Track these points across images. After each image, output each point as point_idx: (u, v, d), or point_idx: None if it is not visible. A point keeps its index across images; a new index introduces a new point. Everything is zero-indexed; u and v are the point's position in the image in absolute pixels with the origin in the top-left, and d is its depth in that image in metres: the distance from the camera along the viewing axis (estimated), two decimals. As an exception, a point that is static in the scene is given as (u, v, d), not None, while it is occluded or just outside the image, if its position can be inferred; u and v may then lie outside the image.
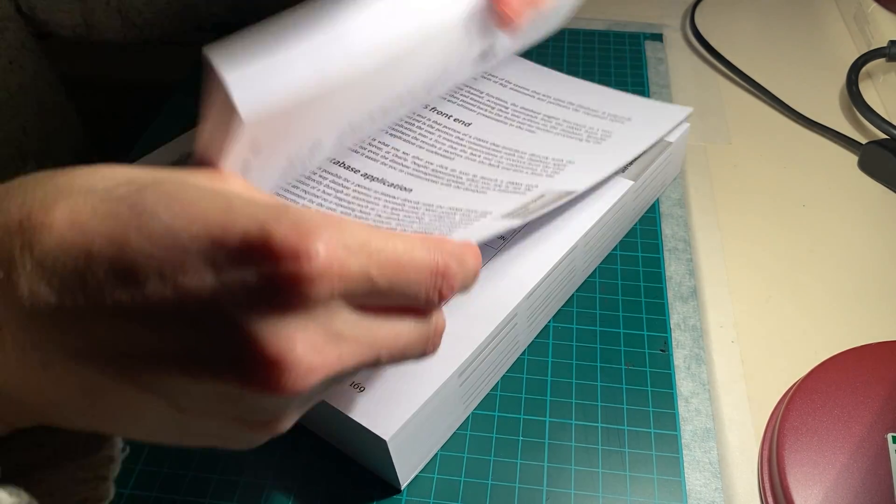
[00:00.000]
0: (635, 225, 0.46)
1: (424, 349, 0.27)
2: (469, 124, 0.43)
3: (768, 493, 0.34)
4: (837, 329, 0.42)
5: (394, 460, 0.32)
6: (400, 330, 0.26)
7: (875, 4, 0.59)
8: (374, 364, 0.25)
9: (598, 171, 0.40)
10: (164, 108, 0.55)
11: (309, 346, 0.22)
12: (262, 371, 0.21)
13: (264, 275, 0.21)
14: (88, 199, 0.22)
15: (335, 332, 0.23)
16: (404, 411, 0.31)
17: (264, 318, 0.21)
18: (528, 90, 0.47)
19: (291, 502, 0.34)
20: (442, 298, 0.26)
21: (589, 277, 0.43)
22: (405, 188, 0.38)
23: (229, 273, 0.21)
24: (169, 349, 0.21)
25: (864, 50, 0.58)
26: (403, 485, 0.34)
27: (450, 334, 0.32)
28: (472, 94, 0.46)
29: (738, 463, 0.36)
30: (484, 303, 0.35)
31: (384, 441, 0.30)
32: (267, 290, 0.21)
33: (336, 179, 0.38)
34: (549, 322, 0.41)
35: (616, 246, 0.45)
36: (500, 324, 0.35)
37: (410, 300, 0.25)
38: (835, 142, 0.53)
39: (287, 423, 0.25)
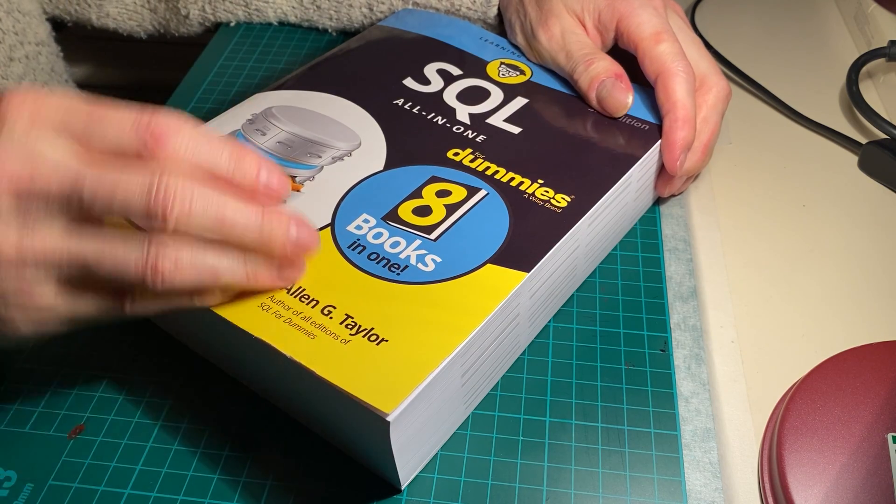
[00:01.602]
0: (635, 225, 0.46)
1: (147, 204, 0.28)
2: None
3: (768, 493, 0.35)
4: (837, 329, 0.42)
5: (393, 449, 0.32)
6: (113, 171, 0.28)
7: (875, 4, 0.59)
8: (77, 187, 0.28)
9: None
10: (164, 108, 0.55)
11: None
12: None
13: None
14: None
15: (34, 156, 0.28)
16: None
17: None
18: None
19: (291, 502, 0.34)
20: (154, 154, 0.29)
21: (589, 277, 0.43)
22: None
23: None
24: None
25: (864, 50, 0.58)
26: (404, 485, 0.34)
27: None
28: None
29: (738, 463, 0.36)
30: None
31: (386, 422, 0.30)
32: None
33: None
34: (550, 322, 0.41)
35: (616, 246, 0.45)
36: (503, 305, 0.34)
37: (115, 144, 0.29)
38: (835, 142, 0.53)
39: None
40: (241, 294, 0.34)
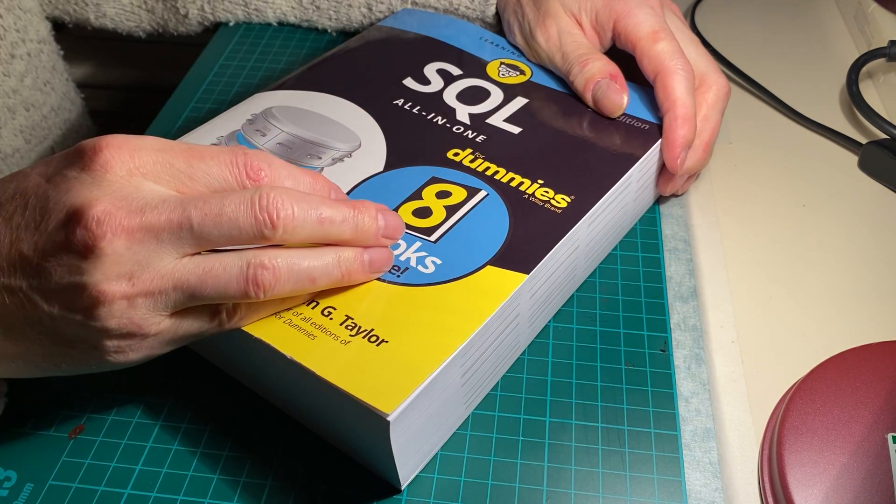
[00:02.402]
0: (635, 225, 0.46)
1: (254, 215, 0.30)
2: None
3: (768, 493, 0.35)
4: (837, 329, 0.42)
5: (393, 449, 0.32)
6: (215, 197, 0.30)
7: (875, 4, 0.59)
8: (185, 216, 0.29)
9: None
10: (164, 108, 0.55)
11: (106, 205, 0.28)
12: (71, 224, 0.28)
13: (68, 154, 0.30)
14: None
15: (138, 201, 0.29)
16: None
17: (70, 186, 0.29)
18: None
19: (291, 502, 0.34)
20: (251, 178, 0.31)
21: (589, 277, 0.43)
22: None
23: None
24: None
25: (864, 50, 0.58)
26: (404, 485, 0.34)
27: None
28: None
29: (738, 463, 0.36)
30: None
31: (386, 422, 0.30)
32: (69, 159, 0.30)
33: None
34: (550, 322, 0.41)
35: (616, 246, 0.45)
36: (503, 307, 0.34)
37: (217, 180, 0.31)
38: (835, 142, 0.53)
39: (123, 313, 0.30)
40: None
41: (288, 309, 0.34)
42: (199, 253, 0.31)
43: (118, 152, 0.30)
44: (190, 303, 0.31)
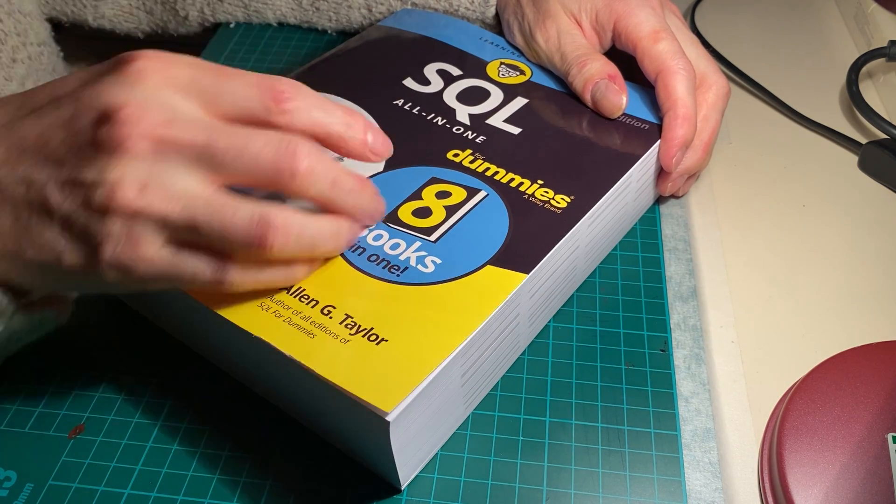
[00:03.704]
0: (635, 225, 0.46)
1: (276, 160, 0.30)
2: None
3: (768, 493, 0.35)
4: (837, 329, 0.42)
5: (393, 449, 0.32)
6: (245, 131, 0.30)
7: (875, 4, 0.59)
8: (212, 140, 0.29)
9: None
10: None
11: (137, 109, 0.29)
12: (101, 122, 0.29)
13: (104, 63, 0.31)
14: None
15: (168, 114, 0.29)
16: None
17: (103, 90, 0.30)
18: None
19: (291, 502, 0.34)
20: (279, 110, 0.31)
21: (589, 277, 0.43)
22: None
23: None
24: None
25: (864, 50, 0.58)
26: (404, 485, 0.34)
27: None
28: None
29: (738, 463, 0.36)
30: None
31: (386, 422, 0.30)
32: (106, 67, 0.31)
33: None
34: (550, 322, 0.41)
35: (616, 246, 0.45)
36: (503, 306, 0.34)
37: (242, 99, 0.31)
38: (835, 142, 0.53)
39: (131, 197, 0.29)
40: (242, 294, 0.34)
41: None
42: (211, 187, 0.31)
43: (152, 62, 0.30)
44: (191, 235, 0.30)
